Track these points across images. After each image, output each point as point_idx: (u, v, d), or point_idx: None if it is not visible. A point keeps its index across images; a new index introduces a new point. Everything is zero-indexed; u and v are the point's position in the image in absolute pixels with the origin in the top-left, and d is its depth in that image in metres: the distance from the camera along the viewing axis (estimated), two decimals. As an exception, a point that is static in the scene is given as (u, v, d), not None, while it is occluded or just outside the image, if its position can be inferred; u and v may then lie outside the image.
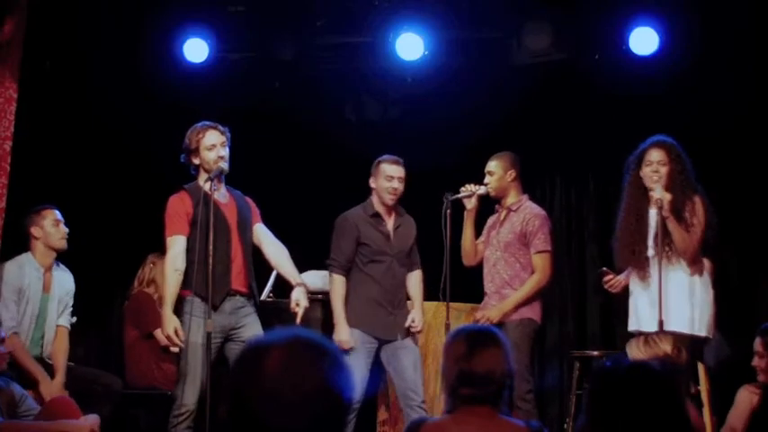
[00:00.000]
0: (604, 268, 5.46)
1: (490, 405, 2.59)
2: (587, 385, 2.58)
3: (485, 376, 2.57)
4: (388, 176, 5.33)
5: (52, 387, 5.28)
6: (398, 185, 5.33)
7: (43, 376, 5.21)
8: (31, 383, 5.15)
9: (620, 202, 5.33)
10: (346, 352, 5.16)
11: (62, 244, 5.47)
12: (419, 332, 5.35)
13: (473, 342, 2.63)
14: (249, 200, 5.15)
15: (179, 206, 4.88)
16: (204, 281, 4.75)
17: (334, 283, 5.32)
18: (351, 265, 5.32)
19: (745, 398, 4.76)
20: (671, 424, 2.32)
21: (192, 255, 4.81)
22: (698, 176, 5.17)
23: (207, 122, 5.00)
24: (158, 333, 6.04)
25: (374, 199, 5.41)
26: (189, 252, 4.84)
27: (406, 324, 5.29)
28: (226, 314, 4.83)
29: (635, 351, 4.32)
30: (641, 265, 5.13)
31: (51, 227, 5.44)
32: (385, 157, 5.42)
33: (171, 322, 4.71)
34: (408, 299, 5.47)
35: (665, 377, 2.42)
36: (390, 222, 5.38)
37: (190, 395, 4.74)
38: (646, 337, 4.47)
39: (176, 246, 4.83)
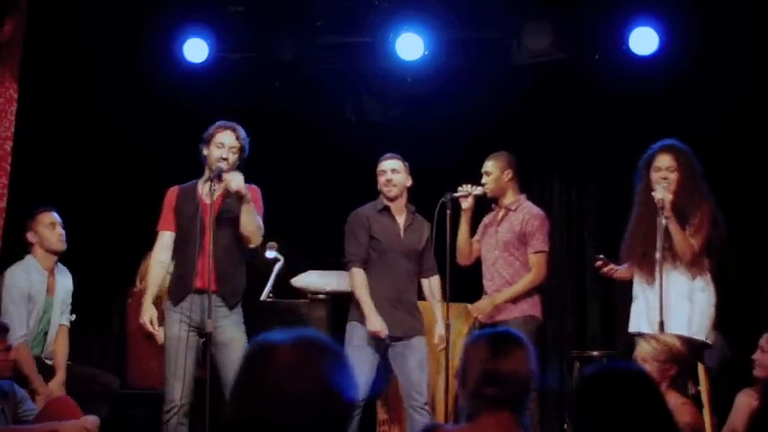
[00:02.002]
0: (601, 255, 5.38)
1: (512, 410, 2.57)
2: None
3: (510, 376, 2.56)
4: (381, 171, 5.37)
5: (52, 385, 5.29)
6: (392, 176, 5.34)
7: (43, 388, 5.19)
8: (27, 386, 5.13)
9: (632, 206, 5.31)
10: (382, 341, 5.17)
11: (59, 246, 5.43)
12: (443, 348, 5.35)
13: (496, 343, 2.62)
14: (251, 190, 5.00)
15: (167, 202, 5.02)
16: (175, 279, 4.90)
17: (355, 277, 5.28)
18: (367, 258, 5.31)
19: (745, 402, 4.75)
20: (655, 423, 2.35)
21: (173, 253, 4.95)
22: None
23: (229, 123, 4.99)
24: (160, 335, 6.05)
25: (382, 198, 5.43)
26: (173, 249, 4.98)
27: (435, 341, 5.31)
28: (199, 311, 4.82)
29: (645, 348, 4.32)
30: (648, 268, 5.10)
31: (45, 230, 5.40)
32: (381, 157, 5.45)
33: (147, 312, 4.84)
34: (422, 299, 5.47)
35: (642, 377, 2.45)
36: (401, 219, 5.39)
37: (172, 389, 4.77)
38: (653, 335, 4.47)
39: (160, 241, 5.01)
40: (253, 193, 4.96)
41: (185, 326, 4.81)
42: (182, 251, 4.88)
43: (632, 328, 5.19)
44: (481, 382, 2.56)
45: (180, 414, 4.77)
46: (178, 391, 4.75)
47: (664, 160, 5.10)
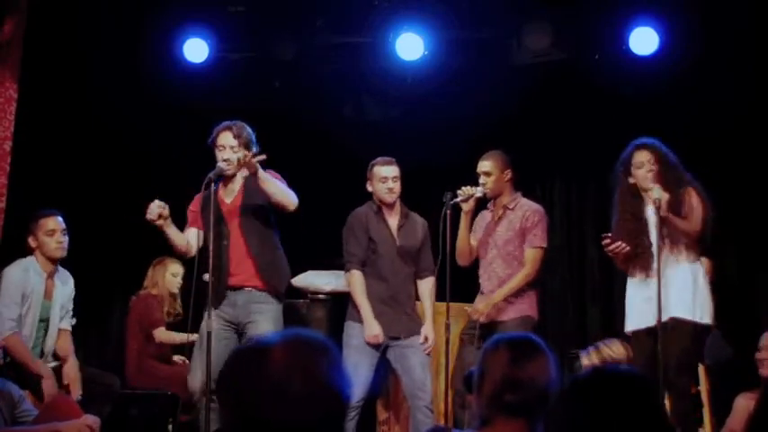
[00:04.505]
0: (608, 234, 5.10)
1: (528, 417, 2.55)
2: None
3: (530, 383, 2.54)
4: (383, 178, 5.36)
5: (67, 369, 5.30)
6: (393, 185, 5.35)
7: (48, 373, 5.18)
8: (28, 384, 5.11)
9: (612, 209, 5.27)
10: (377, 348, 5.18)
11: (57, 254, 5.33)
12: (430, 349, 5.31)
13: (517, 349, 2.60)
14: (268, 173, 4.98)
15: (191, 208, 5.06)
16: (213, 284, 4.85)
17: (353, 279, 5.29)
18: (366, 259, 5.31)
19: (743, 405, 4.75)
20: (648, 424, 2.35)
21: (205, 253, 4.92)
22: (695, 174, 5.13)
23: (228, 123, 4.99)
24: (156, 333, 6.07)
25: (375, 199, 5.42)
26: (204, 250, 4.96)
27: (420, 341, 5.27)
28: (237, 307, 4.84)
29: (586, 364, 4.29)
30: (645, 262, 5.06)
31: (45, 237, 5.29)
32: (377, 159, 5.42)
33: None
34: (417, 299, 5.46)
35: (635, 379, 2.44)
36: (393, 221, 5.39)
37: (191, 378, 4.84)
38: (597, 346, 4.42)
39: (187, 235, 5.07)
40: (272, 174, 4.98)
41: (221, 320, 4.84)
42: (214, 254, 4.82)
43: (629, 327, 5.07)
44: (501, 388, 2.54)
45: (206, 400, 4.73)
46: (198, 379, 4.76)
47: (642, 155, 5.06)
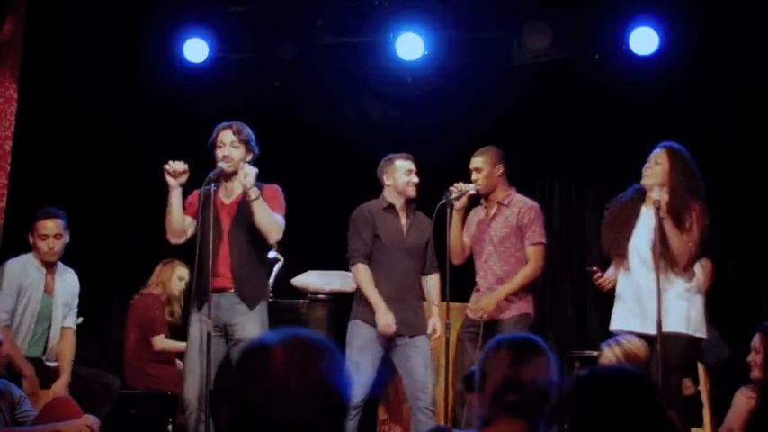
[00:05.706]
0: (594, 267, 5.29)
1: (528, 417, 2.56)
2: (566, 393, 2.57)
3: (531, 384, 2.55)
4: (408, 171, 5.35)
5: (56, 387, 5.28)
6: (416, 178, 5.36)
7: (30, 373, 5.15)
8: (18, 379, 5.10)
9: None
10: (379, 347, 5.16)
11: (47, 258, 5.31)
12: (437, 337, 5.34)
13: (519, 350, 2.60)
14: (269, 191, 4.96)
15: (189, 201, 4.97)
16: (196, 282, 4.87)
17: (360, 272, 5.25)
18: (371, 254, 5.28)
19: (742, 401, 4.74)
20: (649, 423, 2.35)
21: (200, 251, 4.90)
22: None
23: (227, 123, 4.97)
24: (156, 340, 6.07)
25: (388, 195, 5.38)
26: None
27: (428, 331, 5.29)
28: (222, 309, 4.81)
29: (608, 355, 4.28)
30: (621, 253, 5.04)
31: (38, 240, 5.29)
32: (394, 154, 5.39)
33: None
34: (424, 299, 5.45)
35: (639, 379, 2.45)
36: (404, 218, 5.38)
37: (187, 388, 4.79)
38: (618, 340, 4.42)
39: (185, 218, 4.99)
40: (273, 192, 4.95)
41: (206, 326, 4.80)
42: (200, 252, 4.80)
43: (616, 326, 5.02)
44: (502, 388, 2.54)
45: (198, 412, 4.74)
46: (193, 389, 4.74)
47: (657, 153, 5.02)
